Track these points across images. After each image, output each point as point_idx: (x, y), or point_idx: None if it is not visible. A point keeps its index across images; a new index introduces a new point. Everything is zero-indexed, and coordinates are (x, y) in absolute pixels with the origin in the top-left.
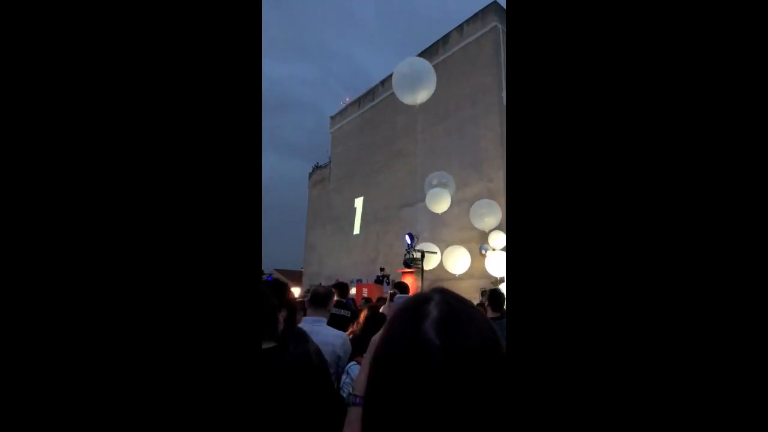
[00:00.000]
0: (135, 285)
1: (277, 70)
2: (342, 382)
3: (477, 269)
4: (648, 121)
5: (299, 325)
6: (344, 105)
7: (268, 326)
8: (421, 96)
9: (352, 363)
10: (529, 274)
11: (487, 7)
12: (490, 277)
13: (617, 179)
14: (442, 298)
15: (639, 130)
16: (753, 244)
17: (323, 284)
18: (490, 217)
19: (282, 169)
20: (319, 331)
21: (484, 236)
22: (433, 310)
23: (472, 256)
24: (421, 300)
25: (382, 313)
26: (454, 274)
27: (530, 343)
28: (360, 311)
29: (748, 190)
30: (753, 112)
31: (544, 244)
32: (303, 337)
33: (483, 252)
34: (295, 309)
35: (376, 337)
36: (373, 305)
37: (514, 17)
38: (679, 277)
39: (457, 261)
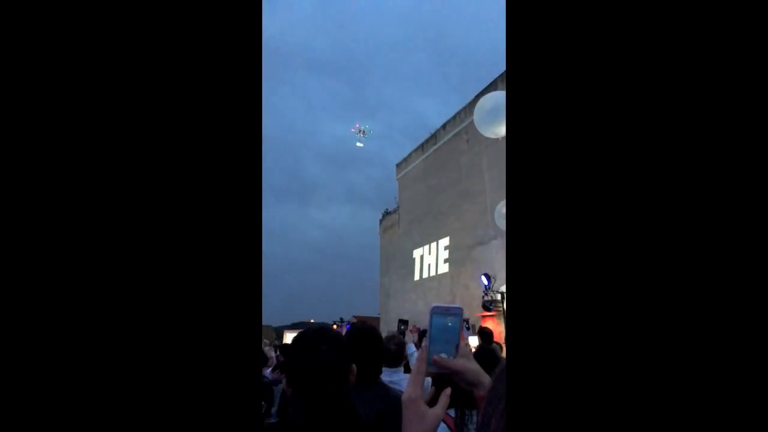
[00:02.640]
0: (124, 337)
1: (344, 131)
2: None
3: None
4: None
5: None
6: (355, 130)
7: (335, 383)
8: (503, 129)
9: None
10: (529, 276)
11: None
12: None
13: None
14: None
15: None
16: (753, 244)
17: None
18: None
19: (354, 219)
20: (398, 381)
21: None
22: None
23: None
24: None
25: None
26: None
27: (530, 345)
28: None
29: (748, 192)
30: (753, 113)
31: (544, 249)
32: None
33: None
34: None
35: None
36: None
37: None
38: (673, 305)
39: None
